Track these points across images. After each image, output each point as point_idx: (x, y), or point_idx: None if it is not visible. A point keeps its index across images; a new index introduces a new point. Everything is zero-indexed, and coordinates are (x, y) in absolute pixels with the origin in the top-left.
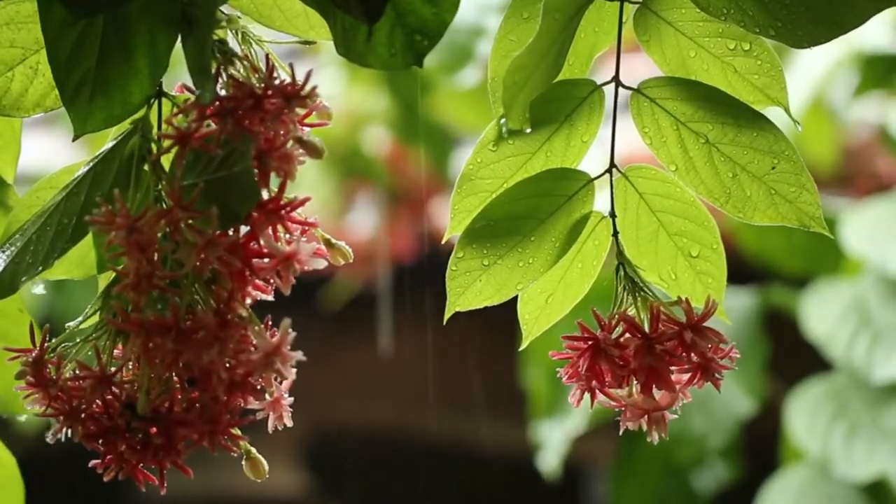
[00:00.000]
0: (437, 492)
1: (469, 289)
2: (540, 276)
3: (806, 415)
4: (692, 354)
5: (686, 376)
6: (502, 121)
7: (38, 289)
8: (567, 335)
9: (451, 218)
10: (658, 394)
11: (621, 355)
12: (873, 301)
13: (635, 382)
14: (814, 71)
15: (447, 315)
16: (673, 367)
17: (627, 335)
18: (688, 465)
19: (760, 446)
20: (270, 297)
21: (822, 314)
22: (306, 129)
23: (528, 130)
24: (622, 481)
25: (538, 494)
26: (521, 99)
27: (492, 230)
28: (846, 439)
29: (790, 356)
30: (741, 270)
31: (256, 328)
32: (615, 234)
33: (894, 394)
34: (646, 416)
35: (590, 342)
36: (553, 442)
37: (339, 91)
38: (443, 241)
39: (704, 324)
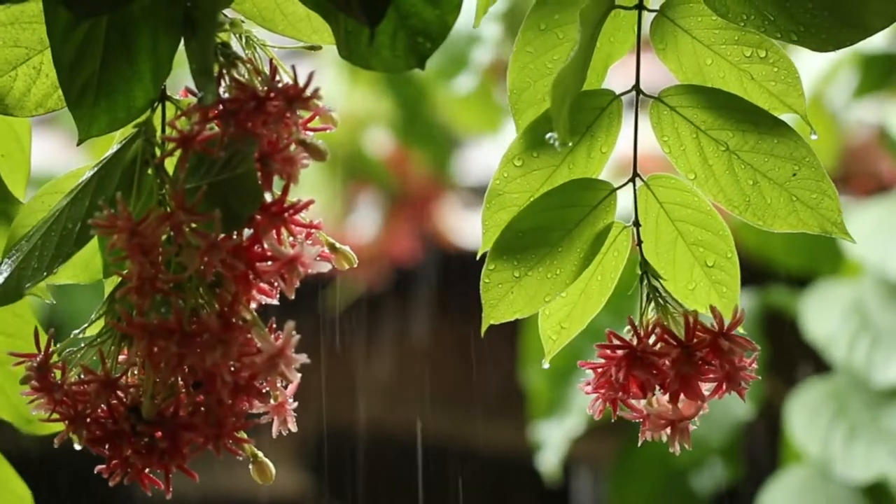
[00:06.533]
0: (437, 492)
1: (502, 301)
2: (566, 287)
3: (806, 416)
4: (724, 363)
5: (711, 385)
6: (548, 134)
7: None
8: (601, 344)
9: (483, 233)
10: (682, 403)
11: (655, 364)
12: (873, 303)
13: (658, 392)
14: (814, 71)
15: (484, 328)
16: (700, 376)
17: (660, 344)
18: (687, 467)
19: (760, 447)
20: (275, 301)
21: (823, 316)
22: (309, 132)
23: (570, 144)
24: (622, 482)
25: (538, 495)
26: (565, 111)
27: (521, 242)
28: (846, 441)
29: (789, 357)
30: (741, 271)
31: (261, 331)
32: (639, 243)
33: (894, 396)
34: (668, 427)
35: (625, 351)
36: (552, 442)
37: (341, 93)
38: (477, 257)
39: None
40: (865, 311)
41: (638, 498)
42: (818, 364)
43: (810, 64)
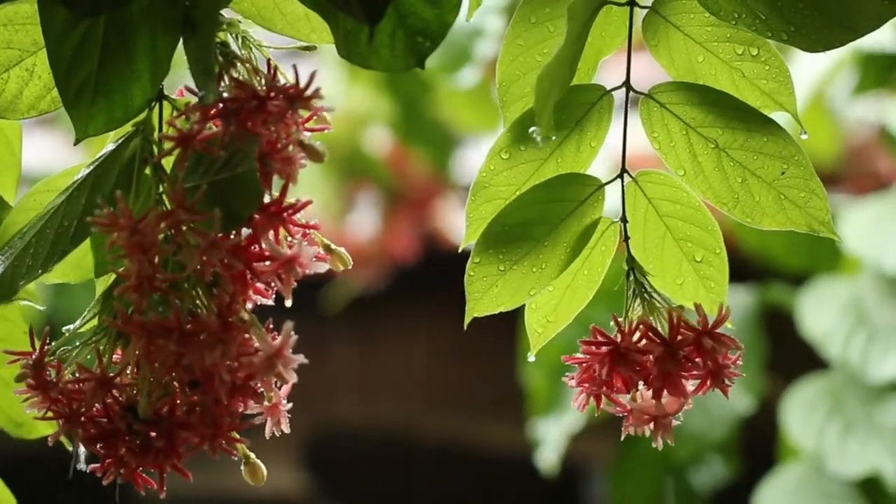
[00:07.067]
0: (437, 492)
1: (486, 294)
2: (551, 281)
3: (802, 412)
4: (707, 361)
5: (695, 382)
6: (531, 129)
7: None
8: (585, 340)
9: (466, 226)
10: (665, 399)
11: (638, 361)
12: (870, 300)
13: (642, 388)
14: (813, 69)
15: (466, 321)
16: (683, 374)
17: (645, 341)
18: (686, 464)
19: (758, 443)
20: (270, 302)
21: (819, 313)
22: (306, 132)
23: (554, 137)
24: (621, 480)
25: (538, 494)
26: (549, 106)
27: (507, 236)
28: (841, 436)
29: (788, 354)
30: (740, 268)
31: (258, 331)
32: (626, 239)
33: (889, 392)
34: (651, 422)
35: (609, 347)
36: (551, 439)
37: (340, 91)
38: (460, 249)
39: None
40: (862, 307)
41: (637, 496)
42: (817, 360)
43: (811, 63)
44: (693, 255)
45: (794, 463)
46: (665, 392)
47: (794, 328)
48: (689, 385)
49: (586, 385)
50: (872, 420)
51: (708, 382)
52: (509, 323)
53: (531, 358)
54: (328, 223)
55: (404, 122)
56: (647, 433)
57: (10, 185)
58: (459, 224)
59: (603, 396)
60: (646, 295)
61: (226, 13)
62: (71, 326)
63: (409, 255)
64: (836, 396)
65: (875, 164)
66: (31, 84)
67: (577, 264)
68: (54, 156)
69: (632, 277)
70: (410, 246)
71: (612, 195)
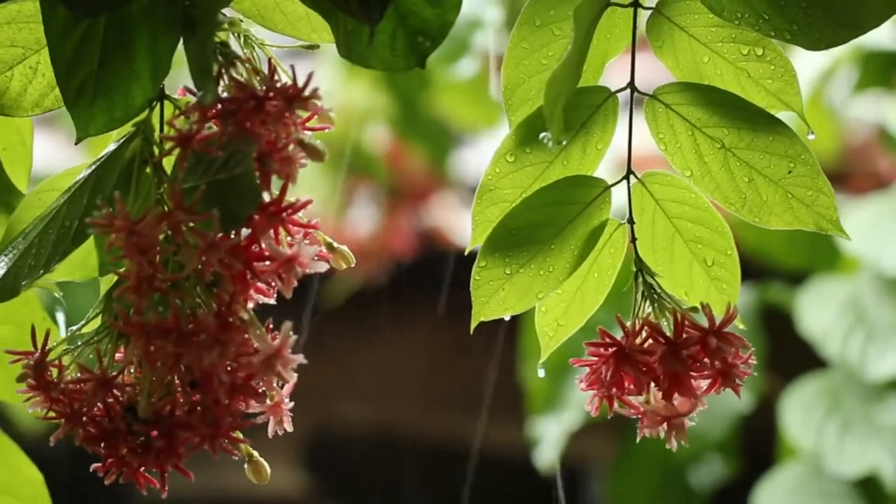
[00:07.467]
0: (437, 492)
1: (493, 298)
2: (559, 284)
3: (800, 412)
4: (715, 361)
5: (706, 382)
6: (542, 134)
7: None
8: (590, 342)
9: (472, 229)
10: (677, 400)
11: (644, 361)
12: (869, 299)
13: (654, 389)
14: (813, 68)
15: (473, 324)
16: (693, 374)
17: (650, 341)
18: (685, 462)
19: (758, 442)
20: (272, 300)
21: (818, 312)
22: (307, 131)
23: (564, 142)
24: (621, 480)
25: (538, 494)
26: (559, 110)
27: (513, 239)
28: (839, 436)
29: (787, 353)
30: (740, 268)
31: (258, 331)
32: (633, 240)
33: (888, 391)
34: (665, 423)
35: (614, 349)
36: (549, 437)
37: (338, 88)
38: (466, 252)
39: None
40: (861, 306)
41: (637, 495)
42: (816, 359)
43: (810, 61)
44: (704, 256)
45: (792, 462)
46: (675, 392)
47: (793, 327)
48: (702, 385)
49: (595, 388)
50: (871, 419)
51: (718, 382)
52: (510, 323)
53: (541, 371)
54: (327, 219)
55: (402, 119)
56: (662, 434)
57: (22, 175)
58: (460, 222)
59: (615, 398)
60: (655, 296)
61: (227, 12)
62: (75, 327)
63: (408, 251)
64: (835, 395)
65: (875, 163)
66: (34, 82)
67: (586, 267)
68: (57, 156)
69: (640, 279)
70: (409, 242)
71: (619, 197)
